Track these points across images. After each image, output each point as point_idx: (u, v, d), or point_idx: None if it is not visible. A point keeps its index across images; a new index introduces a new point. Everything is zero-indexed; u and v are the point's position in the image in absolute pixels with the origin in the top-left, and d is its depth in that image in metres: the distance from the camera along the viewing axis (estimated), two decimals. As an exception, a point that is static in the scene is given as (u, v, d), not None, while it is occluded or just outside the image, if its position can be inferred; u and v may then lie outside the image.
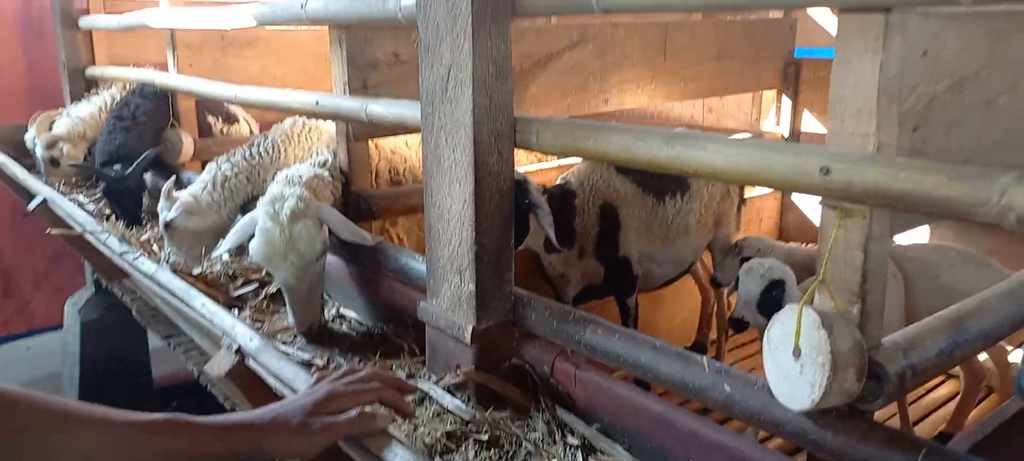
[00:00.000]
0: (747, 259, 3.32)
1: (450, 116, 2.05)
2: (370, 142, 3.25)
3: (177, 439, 1.38)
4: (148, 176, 4.38)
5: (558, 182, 3.35)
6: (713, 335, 4.18)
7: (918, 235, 4.10)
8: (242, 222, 2.64)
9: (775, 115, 4.65)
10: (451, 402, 2.11)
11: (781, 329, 1.50)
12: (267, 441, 1.49)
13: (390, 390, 1.72)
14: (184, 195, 3.35)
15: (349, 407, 1.63)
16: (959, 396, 3.20)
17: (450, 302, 2.18)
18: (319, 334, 2.63)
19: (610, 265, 3.34)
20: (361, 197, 3.10)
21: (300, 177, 2.72)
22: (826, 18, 4.87)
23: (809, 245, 3.50)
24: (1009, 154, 1.64)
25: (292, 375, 1.96)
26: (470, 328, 2.10)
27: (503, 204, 2.10)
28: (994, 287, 1.81)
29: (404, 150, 3.63)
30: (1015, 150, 1.66)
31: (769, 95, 4.70)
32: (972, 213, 1.16)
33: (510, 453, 1.94)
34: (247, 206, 3.52)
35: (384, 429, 1.69)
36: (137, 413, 1.36)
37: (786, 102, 4.57)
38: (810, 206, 4.63)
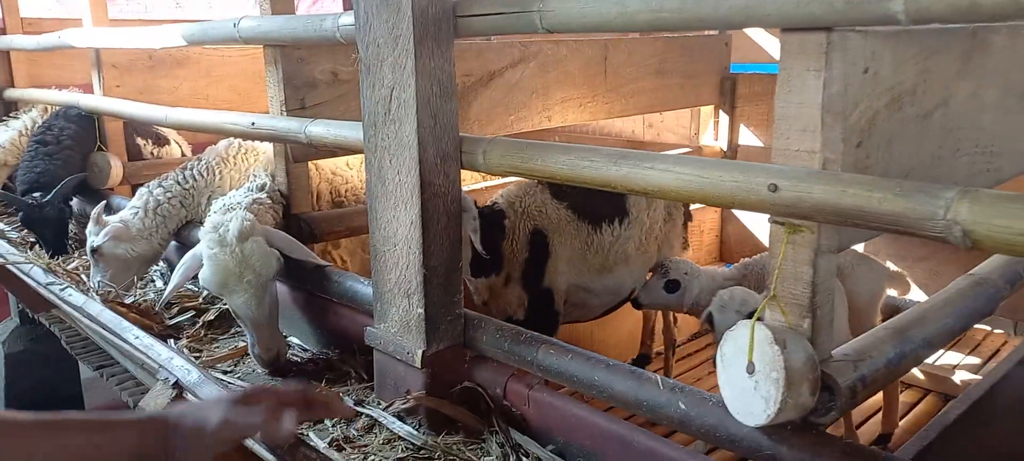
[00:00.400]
0: (674, 282, 3.31)
1: (394, 137, 2.01)
2: (310, 163, 3.18)
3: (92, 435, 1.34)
4: (75, 202, 4.20)
5: (490, 203, 3.19)
6: (658, 347, 4.21)
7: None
8: (184, 261, 2.54)
9: (713, 130, 4.74)
10: (401, 428, 2.07)
11: (734, 346, 1.50)
12: (177, 435, 1.44)
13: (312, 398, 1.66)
14: (114, 220, 3.22)
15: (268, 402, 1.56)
16: (883, 393, 3.25)
17: (399, 326, 2.14)
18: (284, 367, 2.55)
19: (532, 295, 3.11)
20: (302, 219, 3.03)
21: (238, 203, 2.64)
22: (760, 35, 4.99)
23: (732, 267, 3.48)
24: (944, 167, 1.69)
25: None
26: (420, 352, 2.05)
27: (451, 225, 2.07)
28: (933, 297, 1.86)
29: (345, 171, 3.57)
30: (949, 164, 1.71)
31: (707, 110, 4.78)
32: (919, 228, 1.18)
33: (464, 479, 1.90)
34: (181, 232, 3.41)
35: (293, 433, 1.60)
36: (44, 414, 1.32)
37: (723, 117, 4.67)
38: (750, 219, 4.73)
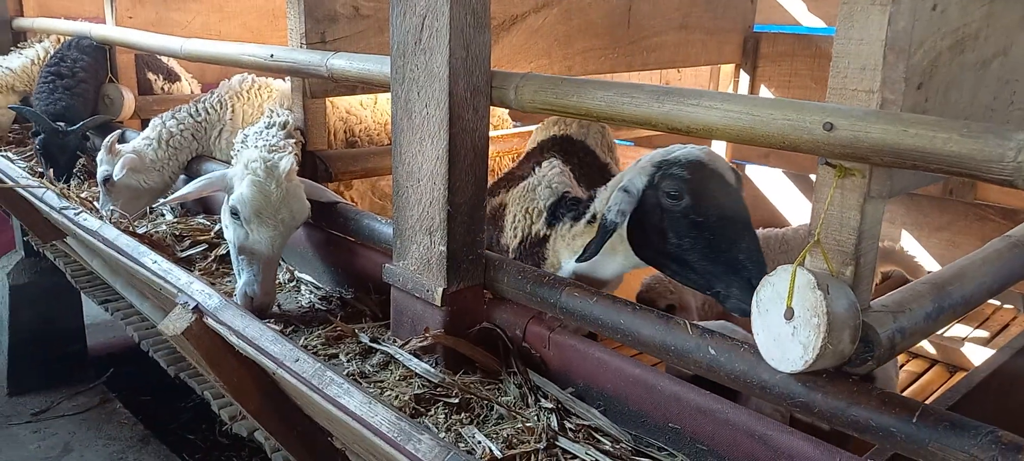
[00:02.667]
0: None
1: (423, 68, 1.95)
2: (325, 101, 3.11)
3: None
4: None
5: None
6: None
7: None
8: (208, 177, 2.51)
9: (733, 89, 4.65)
10: (418, 365, 2.04)
11: (771, 292, 1.46)
12: None
13: None
14: (127, 150, 3.17)
15: None
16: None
17: (419, 264, 2.10)
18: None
19: None
20: (318, 157, 2.97)
21: (265, 140, 2.60)
22: (785, -4, 4.89)
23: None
24: (997, 119, 1.64)
25: (258, 333, 1.85)
26: (440, 290, 2.01)
27: (478, 163, 2.02)
28: (971, 255, 1.81)
29: (359, 111, 3.50)
30: (1002, 116, 1.65)
31: (727, 70, 4.69)
32: (985, 170, 1.13)
33: (481, 417, 1.88)
34: (191, 166, 3.36)
35: None
36: None
37: (744, 77, 4.58)
38: (763, 181, 4.67)
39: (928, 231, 4.03)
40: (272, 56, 2.80)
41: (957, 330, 4.04)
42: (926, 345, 3.78)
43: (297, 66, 2.71)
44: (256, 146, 2.52)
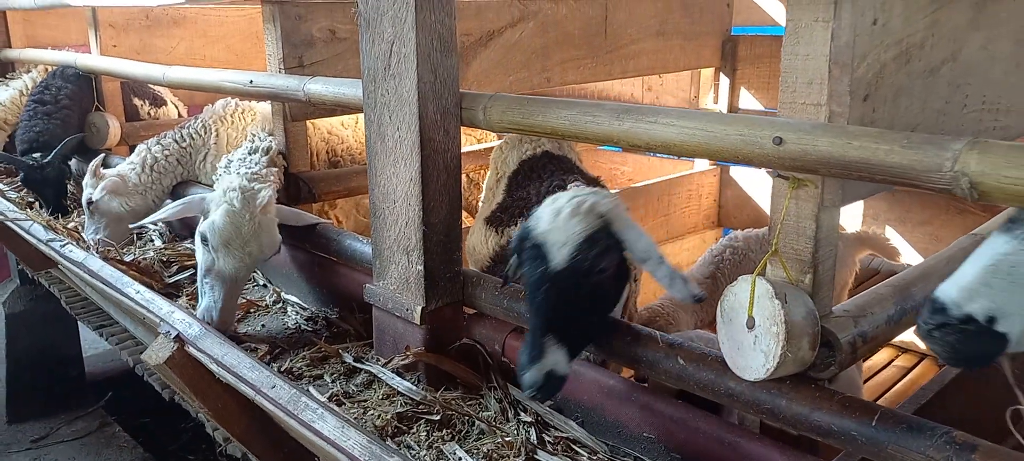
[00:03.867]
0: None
1: (394, 93, 1.99)
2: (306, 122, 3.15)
3: None
4: (73, 163, 4.19)
5: None
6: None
7: (854, 206, 4.22)
8: (186, 200, 2.55)
9: (713, 93, 4.69)
10: (400, 384, 2.07)
11: (734, 301, 1.50)
12: None
13: None
14: (110, 174, 3.22)
15: None
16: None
17: (398, 283, 2.13)
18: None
19: None
20: (301, 179, 3.01)
21: (247, 166, 2.64)
22: (762, -4, 4.93)
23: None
24: (951, 122, 1.68)
25: (236, 360, 1.89)
26: (419, 309, 2.05)
27: (450, 182, 2.05)
28: (936, 255, 1.85)
29: (341, 131, 3.54)
30: (956, 119, 1.69)
31: (707, 73, 4.73)
32: (925, 180, 1.17)
33: (462, 432, 1.91)
34: (176, 190, 3.40)
35: None
36: None
37: (724, 80, 4.62)
38: (749, 184, 4.71)
39: (911, 226, 4.07)
40: (251, 82, 2.84)
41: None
42: (916, 340, 3.81)
43: (276, 91, 2.75)
44: (239, 173, 2.56)
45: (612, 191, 2.00)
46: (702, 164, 4.87)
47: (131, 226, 3.03)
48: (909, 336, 3.73)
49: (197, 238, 2.45)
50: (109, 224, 3.20)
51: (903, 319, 1.60)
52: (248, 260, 2.40)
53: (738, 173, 4.82)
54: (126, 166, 3.31)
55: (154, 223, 2.94)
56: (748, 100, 4.68)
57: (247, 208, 2.39)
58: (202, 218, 2.45)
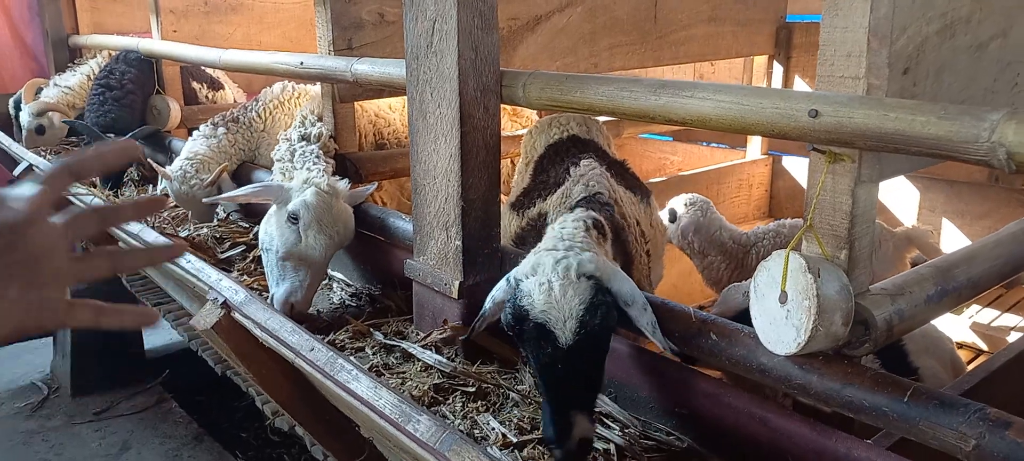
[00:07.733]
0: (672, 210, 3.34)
1: (435, 70, 2.02)
2: (355, 104, 3.21)
3: None
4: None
5: None
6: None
7: (910, 197, 4.11)
8: (262, 184, 2.66)
9: (766, 82, 4.62)
10: (432, 358, 2.10)
11: (767, 276, 1.49)
12: None
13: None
14: (176, 163, 3.36)
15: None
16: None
17: (437, 258, 2.17)
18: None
19: None
20: (348, 159, 3.07)
21: (306, 160, 2.75)
22: (817, -17, 4.84)
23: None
24: (998, 103, 1.63)
25: (278, 325, 1.95)
26: (457, 283, 2.08)
27: (490, 159, 2.08)
28: (984, 238, 1.80)
29: (388, 114, 3.60)
30: (1005, 99, 1.65)
31: (760, 61, 4.66)
32: (962, 151, 1.15)
33: (497, 404, 1.94)
34: (239, 171, 3.52)
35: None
36: None
37: (777, 68, 4.54)
38: (801, 172, 4.63)
39: (970, 219, 3.95)
40: (301, 63, 2.90)
41: (1006, 319, 3.94)
42: (975, 338, 3.70)
43: (325, 71, 2.81)
44: (305, 167, 2.68)
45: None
46: (754, 153, 4.80)
47: (205, 200, 3.15)
48: (968, 334, 3.62)
49: (276, 221, 2.49)
50: (185, 206, 3.37)
51: (944, 300, 1.57)
52: (337, 238, 2.50)
53: (790, 163, 4.74)
54: (189, 149, 3.42)
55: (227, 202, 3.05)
56: (803, 89, 4.60)
57: (334, 192, 2.53)
58: (278, 205, 2.50)
